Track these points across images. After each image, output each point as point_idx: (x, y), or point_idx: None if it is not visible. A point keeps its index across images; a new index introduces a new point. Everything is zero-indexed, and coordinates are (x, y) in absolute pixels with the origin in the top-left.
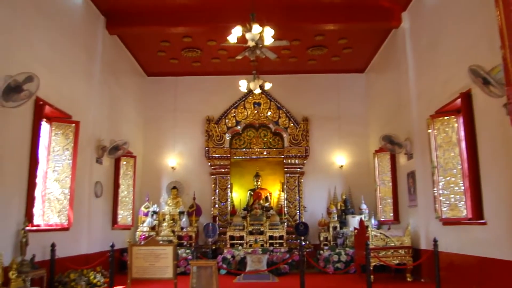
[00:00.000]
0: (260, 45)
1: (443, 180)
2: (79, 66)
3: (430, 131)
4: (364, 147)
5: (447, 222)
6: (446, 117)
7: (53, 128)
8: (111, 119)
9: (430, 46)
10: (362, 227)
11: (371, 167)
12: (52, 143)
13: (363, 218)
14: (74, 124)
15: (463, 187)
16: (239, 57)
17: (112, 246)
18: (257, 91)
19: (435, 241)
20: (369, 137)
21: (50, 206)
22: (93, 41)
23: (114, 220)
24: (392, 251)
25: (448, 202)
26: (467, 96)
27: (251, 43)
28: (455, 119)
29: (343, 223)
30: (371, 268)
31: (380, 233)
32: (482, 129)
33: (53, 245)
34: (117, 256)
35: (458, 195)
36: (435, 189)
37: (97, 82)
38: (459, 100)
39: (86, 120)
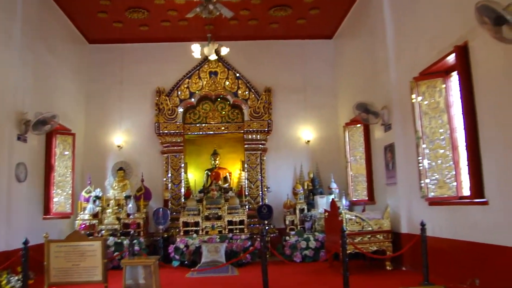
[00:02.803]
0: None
1: (429, 153)
2: None
3: (413, 96)
4: (333, 120)
5: (435, 202)
6: (433, 79)
7: None
8: (41, 91)
9: None
10: (334, 208)
11: (341, 142)
12: None
13: (332, 198)
14: None
15: (452, 161)
16: (190, 15)
17: (26, 242)
18: (213, 57)
19: (422, 224)
20: (338, 109)
21: None
22: None
23: (47, 208)
24: (369, 236)
25: (435, 178)
26: (463, 50)
27: None
28: (443, 82)
29: (311, 204)
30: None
31: (356, 215)
32: (481, 89)
33: None
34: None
35: (447, 170)
36: (421, 163)
37: (18, 46)
38: (449, 58)
39: (3, 90)
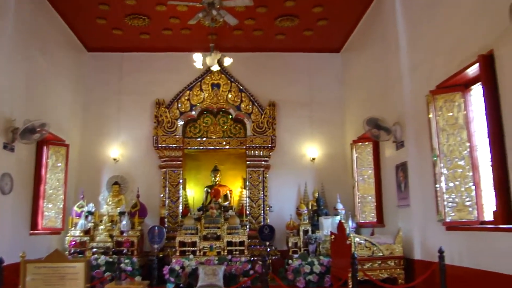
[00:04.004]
0: (217, 5)
1: (447, 173)
2: None
3: (430, 110)
4: (340, 137)
5: (454, 226)
6: (451, 93)
7: None
8: (33, 98)
9: (428, 5)
10: (342, 231)
11: (348, 160)
12: None
13: (340, 220)
14: None
15: (472, 182)
16: (192, 22)
17: (1, 261)
18: (215, 67)
19: (440, 251)
20: (346, 125)
21: None
22: None
23: (34, 223)
24: (380, 262)
25: (453, 200)
26: (488, 59)
27: None
28: (462, 96)
29: (316, 225)
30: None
31: (366, 239)
32: (509, 102)
33: None
34: None
35: (467, 192)
36: (437, 184)
37: (8, 48)
38: (470, 69)
39: None
